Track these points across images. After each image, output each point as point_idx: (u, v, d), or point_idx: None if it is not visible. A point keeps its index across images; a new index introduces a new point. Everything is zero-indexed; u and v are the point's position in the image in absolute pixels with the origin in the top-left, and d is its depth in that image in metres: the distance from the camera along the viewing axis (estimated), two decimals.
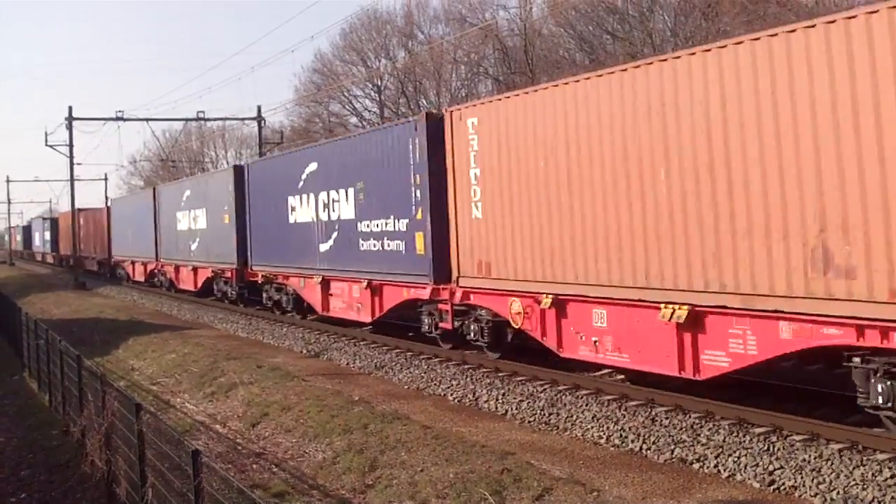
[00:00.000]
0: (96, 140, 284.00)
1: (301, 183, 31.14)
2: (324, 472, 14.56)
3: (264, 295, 35.94)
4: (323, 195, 29.44)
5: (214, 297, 43.18)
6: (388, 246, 25.09)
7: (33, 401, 23.32)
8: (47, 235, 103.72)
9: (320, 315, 30.54)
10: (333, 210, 28.72)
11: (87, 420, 15.71)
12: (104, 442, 14.37)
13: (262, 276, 35.30)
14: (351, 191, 27.34)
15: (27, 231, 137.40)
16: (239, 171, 38.37)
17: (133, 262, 59.41)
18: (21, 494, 15.83)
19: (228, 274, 39.47)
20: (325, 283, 29.62)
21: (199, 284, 44.78)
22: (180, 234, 47.08)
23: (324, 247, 29.52)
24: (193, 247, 44.73)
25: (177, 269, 48.81)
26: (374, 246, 26.00)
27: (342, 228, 28.17)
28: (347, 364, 24.11)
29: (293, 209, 31.94)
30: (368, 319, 27.04)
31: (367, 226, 26.36)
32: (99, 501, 14.39)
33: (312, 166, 30.25)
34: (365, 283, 26.55)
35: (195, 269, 45.14)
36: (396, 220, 24.55)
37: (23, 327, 27.87)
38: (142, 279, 57.07)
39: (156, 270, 53.74)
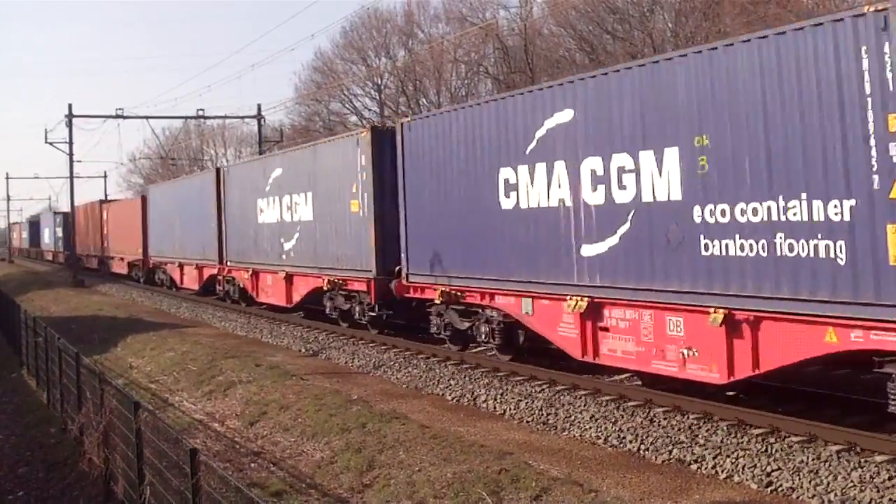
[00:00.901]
0: (96, 138, 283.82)
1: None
2: (322, 472, 14.57)
3: (436, 320, 23.80)
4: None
5: (327, 315, 30.38)
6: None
7: (31, 398, 23.33)
8: (59, 231, 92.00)
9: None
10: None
11: (86, 418, 15.73)
12: (102, 440, 14.39)
13: (441, 292, 22.72)
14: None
15: (34, 227, 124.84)
16: (382, 136, 26.50)
17: (181, 265, 47.42)
18: (19, 492, 15.85)
19: (357, 286, 27.51)
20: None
21: (298, 298, 32.53)
22: (264, 229, 35.03)
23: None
24: (288, 245, 32.70)
25: (255, 275, 36.34)
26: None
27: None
28: (346, 363, 24.11)
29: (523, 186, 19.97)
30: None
31: None
32: (97, 499, 14.40)
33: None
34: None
35: (290, 278, 32.81)
36: None
37: (21, 325, 27.87)
38: (195, 287, 45.53)
39: (220, 277, 40.92)
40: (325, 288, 29.42)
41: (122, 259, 63.06)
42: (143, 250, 55.46)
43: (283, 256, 33.00)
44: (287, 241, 32.62)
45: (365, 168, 26.37)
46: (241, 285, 38.09)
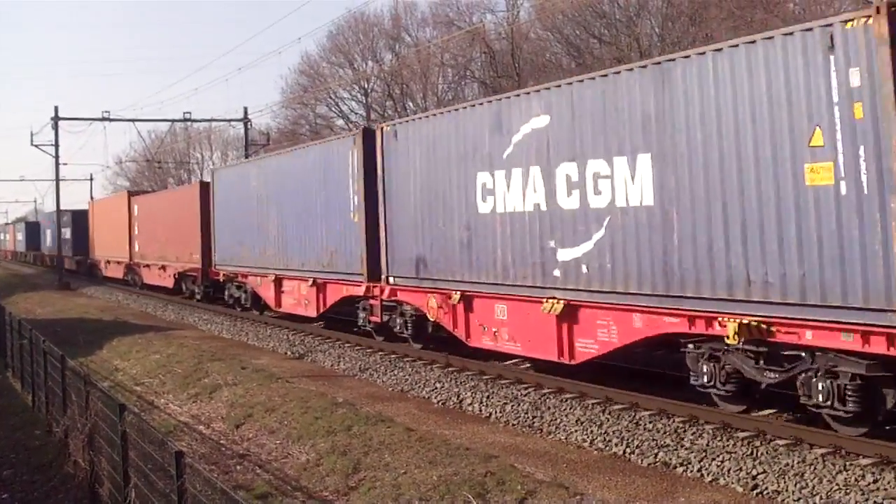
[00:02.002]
0: (82, 140, 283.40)
1: None
2: (307, 474, 14.55)
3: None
4: None
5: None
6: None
7: (16, 401, 23.23)
8: (66, 233, 75.18)
9: None
10: None
11: (71, 420, 15.66)
12: (87, 442, 14.34)
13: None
14: None
15: (32, 229, 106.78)
16: None
17: (279, 280, 32.32)
18: (3, 494, 15.77)
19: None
20: None
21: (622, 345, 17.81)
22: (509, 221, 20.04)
23: None
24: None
25: (468, 301, 21.73)
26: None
27: None
28: (332, 366, 24.10)
29: None
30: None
31: None
32: (82, 502, 14.35)
33: None
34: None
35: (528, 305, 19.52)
36: None
37: (6, 327, 27.77)
38: (309, 312, 30.35)
39: (374, 300, 25.87)
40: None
41: (162, 268, 48.07)
42: (201, 256, 40.48)
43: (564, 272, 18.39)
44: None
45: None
46: (434, 318, 22.97)
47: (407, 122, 24.73)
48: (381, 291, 25.02)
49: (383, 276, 24.76)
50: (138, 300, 48.76)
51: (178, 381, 23.31)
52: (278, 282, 32.27)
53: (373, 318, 25.75)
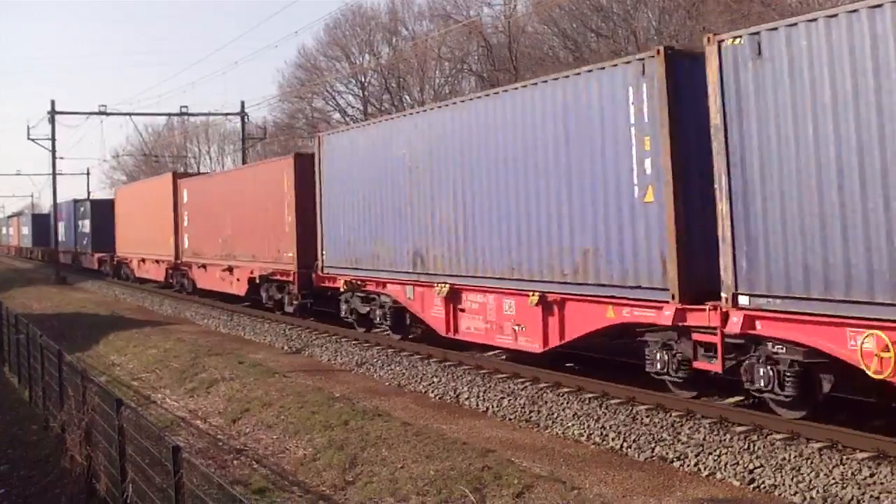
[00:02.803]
0: (79, 134, 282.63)
1: None
2: (304, 469, 14.56)
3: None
4: None
5: None
6: None
7: (13, 396, 23.24)
8: (84, 226, 66.07)
9: None
10: None
11: (68, 415, 15.67)
12: (84, 437, 14.34)
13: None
14: None
15: (41, 222, 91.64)
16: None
17: (457, 292, 22.21)
18: (0, 489, 15.78)
19: None
20: None
21: None
22: None
23: None
24: None
25: None
26: None
27: None
28: (329, 360, 24.09)
29: None
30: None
31: None
32: (79, 497, 14.35)
33: None
34: None
35: None
36: None
37: (3, 322, 27.76)
38: (531, 346, 19.99)
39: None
40: None
41: (228, 270, 37.50)
42: (296, 255, 30.77)
43: None
44: None
45: None
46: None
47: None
48: (721, 320, 14.85)
49: (729, 295, 14.63)
50: (135, 295, 48.65)
51: (175, 375, 23.32)
52: (454, 295, 22.07)
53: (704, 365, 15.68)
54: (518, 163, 19.58)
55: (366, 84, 77.05)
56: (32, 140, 66.45)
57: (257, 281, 34.24)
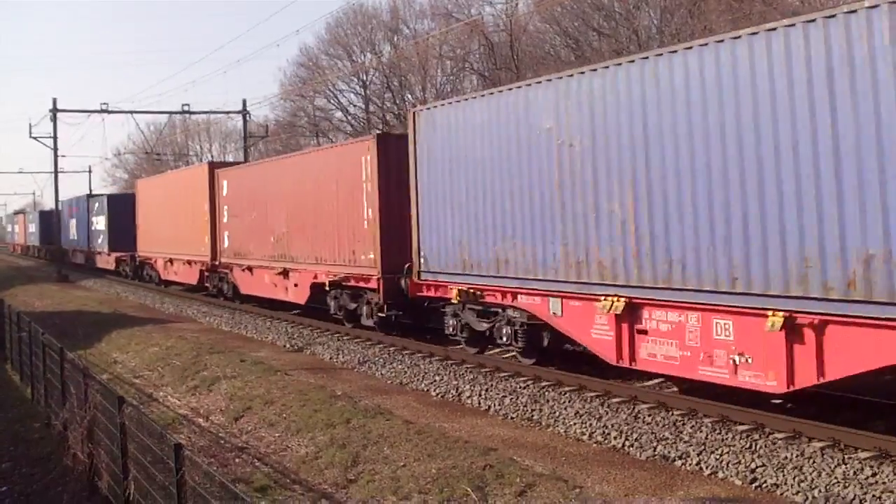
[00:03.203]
0: (81, 132, 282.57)
1: None
2: (306, 467, 14.55)
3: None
4: None
5: None
6: None
7: (15, 393, 23.25)
8: (99, 223, 61.29)
9: None
10: None
11: (70, 413, 15.67)
12: (86, 435, 14.34)
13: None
14: None
15: (50, 219, 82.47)
16: None
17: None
18: (2, 487, 15.80)
19: None
20: None
21: None
22: None
23: None
24: None
25: None
26: None
27: None
28: (331, 358, 24.10)
29: None
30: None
31: None
32: (81, 494, 14.36)
33: None
34: None
35: None
36: None
37: (5, 319, 27.78)
38: None
39: None
40: None
41: (283, 273, 31.87)
42: (380, 256, 25.31)
43: None
44: None
45: None
46: None
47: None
48: None
49: None
50: (137, 293, 48.64)
51: (176, 373, 23.32)
52: (632, 311, 16.69)
53: None
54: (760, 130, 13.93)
55: (367, 83, 77.03)
56: (34, 138, 66.38)
57: (327, 287, 28.20)
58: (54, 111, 62.11)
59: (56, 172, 65.74)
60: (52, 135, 63.49)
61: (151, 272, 51.13)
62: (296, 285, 30.97)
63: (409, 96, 72.40)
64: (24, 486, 15.68)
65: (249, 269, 35.15)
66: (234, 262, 36.82)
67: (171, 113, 71.48)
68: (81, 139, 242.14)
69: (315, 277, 29.00)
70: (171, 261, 45.92)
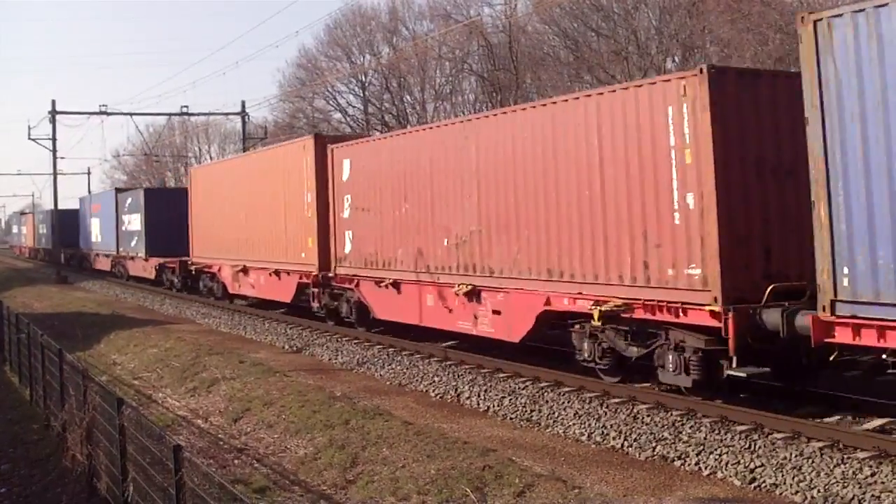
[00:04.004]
0: (80, 134, 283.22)
1: None
2: (305, 468, 14.56)
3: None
4: None
5: None
6: None
7: (14, 395, 23.23)
8: (132, 222, 52.41)
9: None
10: None
11: (69, 414, 15.66)
12: (85, 436, 14.33)
13: None
14: None
15: (65, 219, 71.84)
16: None
17: None
18: (1, 489, 15.78)
19: None
20: None
21: None
22: None
23: None
24: None
25: None
26: None
27: None
28: (329, 360, 24.09)
29: None
30: None
31: None
32: (80, 496, 14.35)
33: None
34: None
35: None
36: None
37: (4, 321, 27.76)
38: None
39: None
40: None
41: (471, 295, 21.46)
42: (717, 268, 15.02)
43: None
44: None
45: None
46: None
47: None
48: None
49: None
50: (135, 294, 48.57)
51: (175, 375, 23.31)
52: None
53: None
54: None
55: (366, 84, 77.02)
56: (33, 140, 66.49)
57: (594, 322, 17.26)
58: (53, 113, 62.12)
59: (55, 174, 65.77)
60: (50, 136, 63.60)
61: (212, 283, 40.34)
62: (497, 313, 20.64)
63: (408, 97, 72.46)
64: (22, 488, 15.66)
65: (393, 284, 24.68)
66: (362, 273, 26.34)
67: (170, 115, 71.51)
68: (80, 141, 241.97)
69: (548, 304, 18.91)
70: (244, 270, 35.12)
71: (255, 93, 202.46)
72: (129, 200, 53.73)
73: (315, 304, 29.72)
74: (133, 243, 52.64)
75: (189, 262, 42.50)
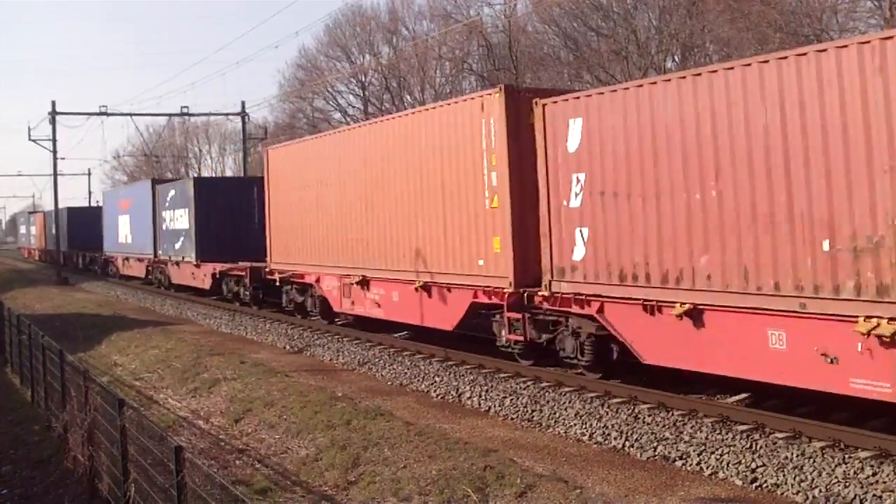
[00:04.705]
0: (80, 135, 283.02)
1: None
2: (307, 469, 14.55)
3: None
4: None
5: None
6: None
7: (15, 396, 23.23)
8: (178, 219, 43.51)
9: None
10: None
11: (70, 416, 15.66)
12: (87, 437, 14.34)
13: None
14: None
15: (82, 216, 70.33)
16: None
17: None
18: (3, 490, 15.78)
19: None
20: None
21: None
22: None
23: None
24: None
25: None
26: None
27: None
28: (331, 360, 24.08)
29: None
30: None
31: None
32: (81, 497, 14.35)
33: None
34: None
35: None
36: None
37: (5, 322, 27.76)
38: None
39: None
40: None
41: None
42: None
43: None
44: None
45: None
46: None
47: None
48: None
49: None
50: (136, 295, 48.53)
51: (177, 375, 23.30)
52: None
53: None
54: None
55: (366, 84, 77.14)
56: (33, 141, 66.52)
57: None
58: (53, 114, 62.11)
59: (55, 175, 65.75)
60: (51, 137, 63.59)
61: (302, 298, 30.67)
62: None
63: (408, 97, 72.45)
64: (24, 489, 15.66)
65: (692, 313, 15.53)
66: (614, 294, 17.24)
67: (170, 115, 71.40)
68: (81, 142, 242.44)
69: None
70: (362, 282, 25.46)
71: (255, 93, 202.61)
72: (171, 193, 44.88)
73: (509, 337, 19.98)
74: (178, 245, 43.62)
75: (266, 270, 32.70)
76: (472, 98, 21.06)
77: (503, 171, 19.56)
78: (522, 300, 19.38)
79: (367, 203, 25.42)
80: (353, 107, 77.96)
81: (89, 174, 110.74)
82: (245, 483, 13.78)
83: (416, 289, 22.72)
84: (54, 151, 63.88)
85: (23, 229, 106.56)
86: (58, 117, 62.50)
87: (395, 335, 25.75)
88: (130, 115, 64.90)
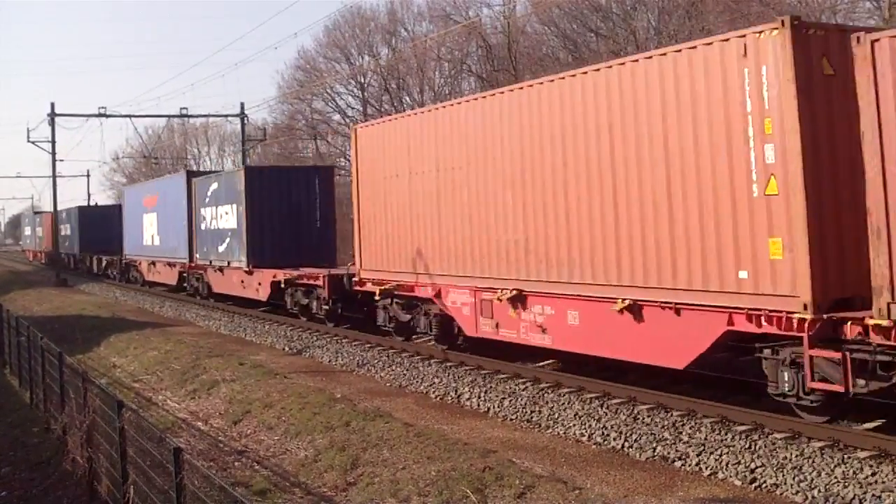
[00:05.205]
0: (79, 136, 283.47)
1: None
2: (306, 470, 14.55)
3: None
4: None
5: None
6: None
7: (14, 398, 23.22)
8: (222, 217, 37.31)
9: None
10: None
11: (69, 417, 15.66)
12: (86, 439, 14.33)
13: None
14: None
15: (97, 216, 66.92)
16: None
17: None
18: (2, 492, 15.77)
19: None
20: None
21: None
22: None
23: None
24: None
25: None
26: None
27: None
28: (329, 361, 24.07)
29: None
30: None
31: None
32: (80, 499, 14.35)
33: None
34: None
35: None
36: None
37: (4, 324, 27.75)
38: None
39: None
40: None
41: None
42: None
43: None
44: None
45: None
46: None
47: None
48: None
49: None
50: (135, 297, 48.49)
51: (175, 377, 23.30)
52: None
53: None
54: None
55: (365, 85, 77.00)
56: (32, 142, 66.46)
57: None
58: (52, 115, 62.14)
59: (54, 176, 65.76)
60: (50, 139, 63.58)
61: (408, 316, 24.36)
62: None
63: (407, 98, 72.41)
64: (23, 491, 15.65)
65: None
66: None
67: (169, 116, 71.52)
68: (79, 143, 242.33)
69: None
70: (516, 299, 19.55)
71: (254, 95, 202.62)
72: (212, 187, 38.71)
73: (813, 385, 13.49)
74: (222, 248, 37.62)
75: (355, 280, 26.52)
76: (727, 39, 14.83)
77: (792, 142, 13.51)
78: (834, 331, 13.09)
79: (527, 191, 19.25)
80: (353, 108, 77.91)
81: (88, 176, 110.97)
82: (244, 484, 13.78)
83: (620, 310, 16.52)
84: (53, 153, 63.90)
85: (28, 230, 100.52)
86: (57, 119, 62.55)
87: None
88: (129, 116, 64.95)
